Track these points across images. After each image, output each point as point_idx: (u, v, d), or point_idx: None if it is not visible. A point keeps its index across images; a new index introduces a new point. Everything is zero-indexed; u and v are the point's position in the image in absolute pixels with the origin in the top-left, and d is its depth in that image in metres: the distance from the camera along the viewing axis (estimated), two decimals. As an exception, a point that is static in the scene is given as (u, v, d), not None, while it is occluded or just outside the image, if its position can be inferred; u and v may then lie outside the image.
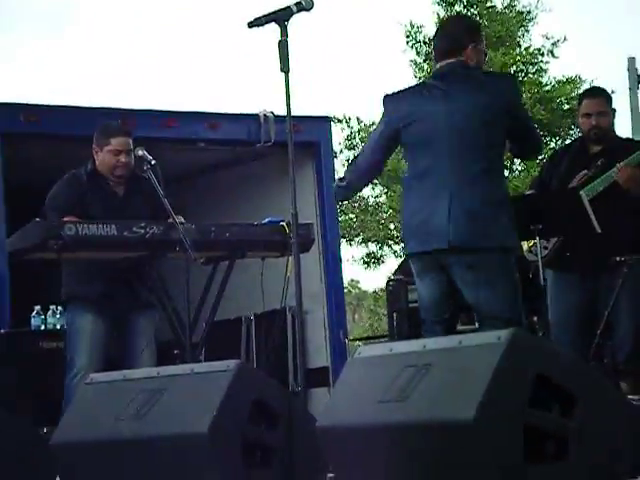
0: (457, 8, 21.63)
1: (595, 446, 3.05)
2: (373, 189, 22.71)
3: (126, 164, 5.46)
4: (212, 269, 5.60)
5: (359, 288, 36.43)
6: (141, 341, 5.45)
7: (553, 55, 21.74)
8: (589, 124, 5.42)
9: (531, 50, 21.72)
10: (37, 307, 6.56)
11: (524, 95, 21.13)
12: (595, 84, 20.99)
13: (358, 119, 22.80)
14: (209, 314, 5.54)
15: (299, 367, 5.63)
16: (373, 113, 25.96)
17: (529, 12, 21.43)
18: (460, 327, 8.18)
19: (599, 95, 5.52)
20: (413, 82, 21.80)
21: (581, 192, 5.07)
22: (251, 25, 4.08)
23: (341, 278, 7.54)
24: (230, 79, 27.31)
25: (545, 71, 21.77)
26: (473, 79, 4.42)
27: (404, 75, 24.89)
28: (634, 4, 26.50)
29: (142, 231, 5.19)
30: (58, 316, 6.46)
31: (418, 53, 21.81)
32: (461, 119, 4.31)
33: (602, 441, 3.08)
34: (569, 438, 3.03)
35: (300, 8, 4.09)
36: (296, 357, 6.97)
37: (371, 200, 22.91)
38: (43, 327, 6.51)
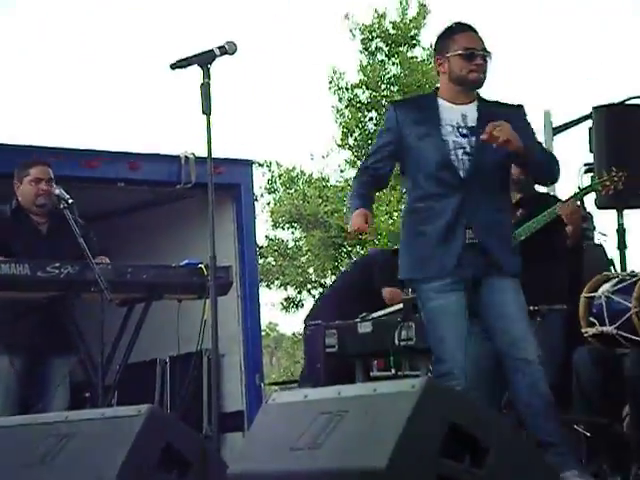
0: (379, 57, 21.98)
1: (506, 495, 3.07)
2: (293, 233, 22.81)
3: (47, 192, 5.43)
4: (127, 310, 5.54)
5: (277, 331, 36.35)
6: (54, 383, 5.36)
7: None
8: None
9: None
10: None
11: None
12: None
13: (278, 163, 22.94)
14: (123, 356, 5.48)
15: (213, 411, 5.59)
16: (294, 158, 26.13)
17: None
18: (376, 373, 8.21)
19: None
20: (333, 128, 22.16)
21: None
22: (174, 67, 4.10)
23: (259, 321, 7.52)
24: (153, 120, 27.29)
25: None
26: None
27: (325, 121, 25.13)
28: (551, 59, 27.21)
29: (56, 271, 5.14)
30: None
31: (340, 99, 22.06)
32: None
33: (513, 490, 3.09)
34: (480, 487, 3.04)
35: (223, 52, 4.12)
36: (211, 401, 6.91)
37: (290, 244, 22.98)
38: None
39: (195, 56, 4.08)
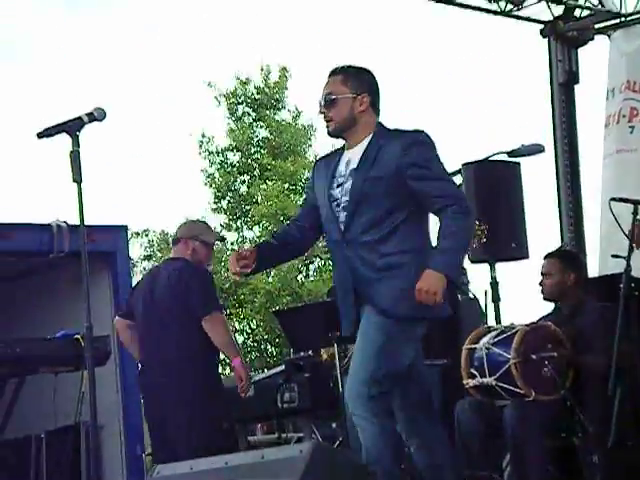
0: (247, 120, 22.15)
1: None
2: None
3: None
4: (0, 386, 5.36)
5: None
6: None
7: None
8: None
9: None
10: None
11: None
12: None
13: (153, 230, 22.79)
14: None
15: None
16: (169, 222, 25.97)
17: (311, 125, 22.23)
18: (260, 437, 8.14)
19: None
20: (205, 191, 22.14)
21: None
22: (41, 136, 4.00)
23: (139, 390, 7.37)
24: (24, 188, 26.84)
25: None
26: None
27: (197, 185, 25.06)
28: (418, 116, 27.87)
29: None
30: None
31: (211, 164, 22.08)
32: None
33: None
34: None
35: (92, 119, 4.06)
36: (90, 475, 6.71)
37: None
38: None
39: (63, 124, 4.00)
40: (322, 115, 4.20)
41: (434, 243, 4.15)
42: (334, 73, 4.24)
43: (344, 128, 4.19)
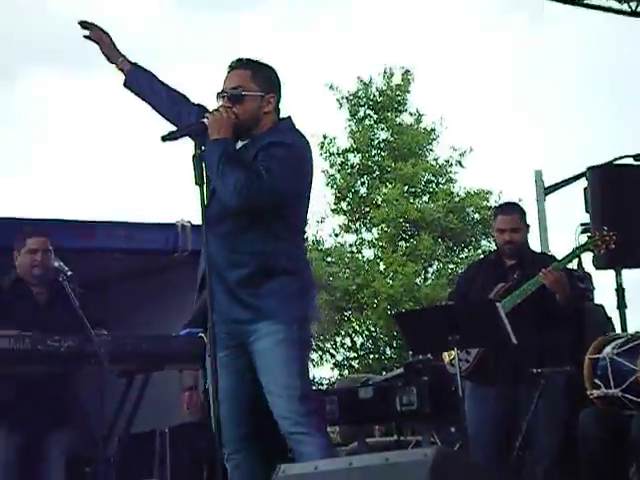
0: (367, 122, 22.20)
1: None
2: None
3: (42, 262, 5.41)
4: (128, 381, 5.49)
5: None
6: (53, 459, 5.30)
7: (461, 165, 22.36)
8: (503, 239, 5.53)
9: (440, 161, 22.31)
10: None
11: (436, 204, 21.61)
12: (502, 196, 21.60)
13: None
14: (125, 428, 5.42)
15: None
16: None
17: (433, 130, 22.13)
18: (378, 439, 8.14)
19: (513, 212, 5.63)
20: (324, 191, 22.23)
21: (498, 303, 5.13)
22: (165, 139, 4.04)
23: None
24: (149, 189, 27.47)
25: (455, 181, 22.33)
26: None
27: (318, 186, 25.19)
28: (537, 118, 27.46)
29: (57, 344, 5.10)
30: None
31: (332, 165, 22.19)
32: None
33: None
34: None
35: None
36: (211, 471, 6.82)
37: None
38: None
39: (186, 128, 4.07)
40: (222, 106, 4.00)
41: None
42: (241, 66, 4.06)
43: (248, 127, 4.03)
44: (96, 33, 4.26)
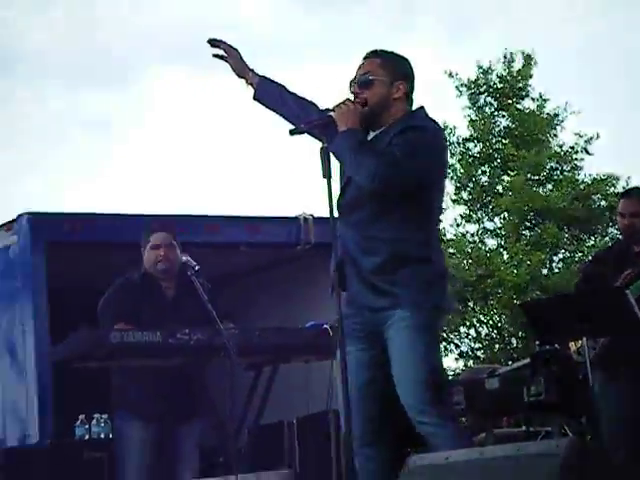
0: (488, 110, 21.91)
1: None
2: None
3: (166, 257, 5.50)
4: (256, 373, 5.56)
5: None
6: (185, 451, 5.40)
7: (587, 152, 21.86)
8: (623, 224, 5.45)
9: (565, 148, 21.86)
10: (81, 416, 6.48)
11: (560, 192, 21.21)
12: (631, 182, 21.06)
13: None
14: (254, 419, 5.49)
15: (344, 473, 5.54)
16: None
17: (557, 115, 21.67)
18: (506, 429, 8.05)
19: (633, 196, 5.53)
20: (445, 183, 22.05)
21: (627, 291, 5.02)
22: (293, 133, 4.11)
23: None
24: (271, 182, 27.70)
25: (580, 168, 21.85)
26: None
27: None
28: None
29: (187, 337, 5.20)
30: (102, 425, 6.37)
31: (452, 154, 21.98)
32: None
33: None
34: None
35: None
36: (339, 462, 6.86)
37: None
38: (87, 437, 6.41)
39: (314, 121, 4.10)
40: (353, 95, 4.07)
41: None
42: (372, 55, 4.14)
43: (377, 113, 4.06)
44: (225, 49, 4.29)
